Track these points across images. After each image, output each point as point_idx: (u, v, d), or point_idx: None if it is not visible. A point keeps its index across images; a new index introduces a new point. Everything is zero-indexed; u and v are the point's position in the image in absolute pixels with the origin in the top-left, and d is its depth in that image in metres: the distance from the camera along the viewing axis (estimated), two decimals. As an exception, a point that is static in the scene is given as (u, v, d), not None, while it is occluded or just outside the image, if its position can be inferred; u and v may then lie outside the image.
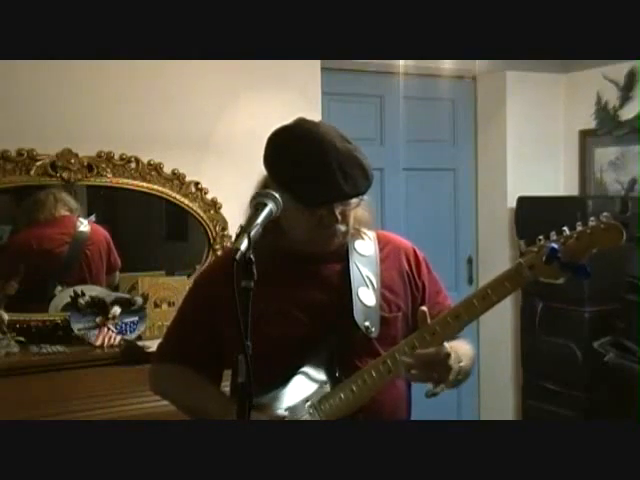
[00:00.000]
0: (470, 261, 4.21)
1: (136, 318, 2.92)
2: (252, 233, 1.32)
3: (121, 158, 3.02)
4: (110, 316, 2.85)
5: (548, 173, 4.14)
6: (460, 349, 1.60)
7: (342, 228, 1.60)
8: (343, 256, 1.67)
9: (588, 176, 4.07)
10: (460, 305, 1.56)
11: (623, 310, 3.38)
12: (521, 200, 3.86)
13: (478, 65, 3.91)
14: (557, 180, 4.16)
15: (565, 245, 1.44)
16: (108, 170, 3.00)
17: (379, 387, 1.55)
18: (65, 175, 2.91)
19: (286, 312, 1.60)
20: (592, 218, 1.45)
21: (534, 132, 4.06)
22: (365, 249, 1.69)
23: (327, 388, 1.56)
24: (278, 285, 1.58)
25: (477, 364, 4.29)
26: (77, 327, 2.83)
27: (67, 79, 2.94)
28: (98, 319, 2.84)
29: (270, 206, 1.42)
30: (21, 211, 3.07)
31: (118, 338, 2.85)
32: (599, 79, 3.90)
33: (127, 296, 2.98)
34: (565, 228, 1.47)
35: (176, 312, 1.81)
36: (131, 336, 2.88)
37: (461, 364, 1.54)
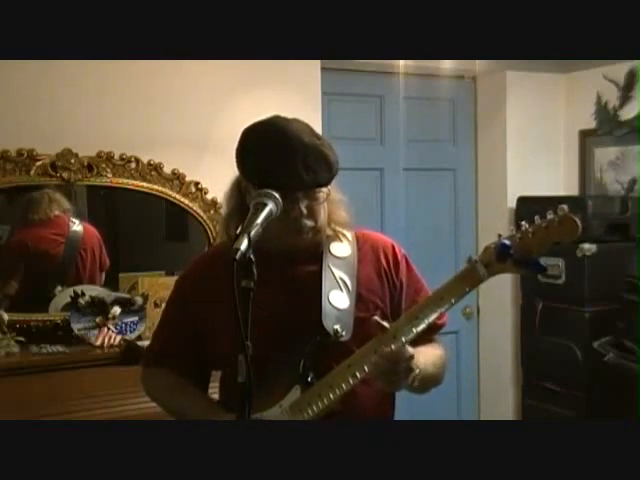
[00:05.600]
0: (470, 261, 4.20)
1: (136, 318, 2.92)
2: (252, 233, 1.32)
3: (121, 158, 3.02)
4: (110, 316, 2.86)
5: (548, 173, 4.13)
6: (425, 355, 1.58)
7: (309, 223, 1.56)
8: (318, 258, 1.64)
9: (588, 176, 4.06)
10: (417, 308, 1.55)
11: (623, 310, 3.37)
12: (521, 200, 3.85)
13: (478, 65, 3.89)
14: (557, 180, 4.15)
15: (520, 240, 1.44)
16: (108, 170, 3.00)
17: (347, 391, 1.51)
18: (65, 175, 2.91)
19: (257, 318, 1.40)
20: (549, 212, 1.44)
21: (534, 132, 4.05)
22: (341, 251, 1.66)
23: (298, 393, 1.53)
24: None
25: (477, 364, 4.34)
26: (77, 327, 2.83)
27: (67, 79, 2.94)
28: (98, 319, 2.84)
29: (270, 206, 1.41)
30: (15, 211, 3.06)
31: (118, 338, 2.85)
32: (599, 79, 3.89)
33: (127, 296, 2.98)
34: (524, 222, 1.46)
35: (160, 315, 1.79)
36: (131, 336, 2.88)
37: (420, 367, 1.50)
